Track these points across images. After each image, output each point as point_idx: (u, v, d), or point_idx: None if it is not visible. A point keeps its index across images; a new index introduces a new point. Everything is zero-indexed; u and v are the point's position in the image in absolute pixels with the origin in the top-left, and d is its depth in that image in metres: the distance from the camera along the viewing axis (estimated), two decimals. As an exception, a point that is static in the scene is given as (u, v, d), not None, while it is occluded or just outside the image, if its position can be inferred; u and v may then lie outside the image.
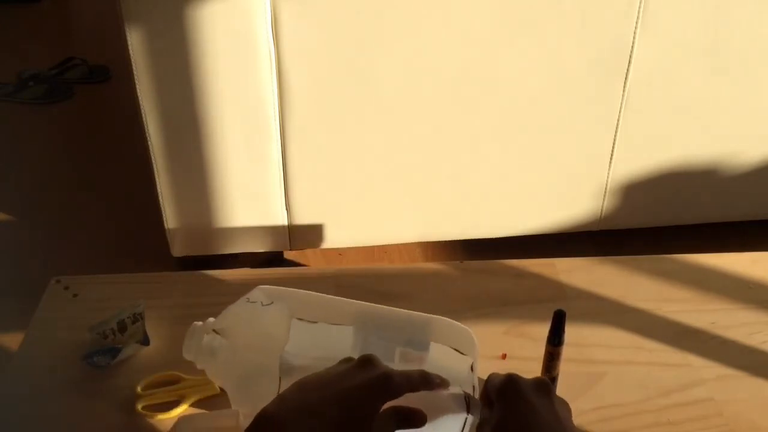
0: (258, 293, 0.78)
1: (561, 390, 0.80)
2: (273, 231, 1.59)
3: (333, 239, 1.63)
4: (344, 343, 0.75)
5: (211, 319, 0.78)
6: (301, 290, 0.78)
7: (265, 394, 0.75)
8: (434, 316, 0.77)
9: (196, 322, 0.77)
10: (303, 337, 0.76)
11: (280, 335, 0.75)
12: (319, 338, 0.77)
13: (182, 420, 0.76)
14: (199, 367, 0.78)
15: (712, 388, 0.85)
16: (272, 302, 0.77)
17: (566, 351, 0.79)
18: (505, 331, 0.91)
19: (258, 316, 0.76)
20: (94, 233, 1.85)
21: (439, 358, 0.74)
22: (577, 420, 0.80)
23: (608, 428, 0.80)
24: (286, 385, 0.73)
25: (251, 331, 0.76)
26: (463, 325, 0.75)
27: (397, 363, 0.74)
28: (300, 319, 0.76)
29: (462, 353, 0.74)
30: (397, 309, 0.77)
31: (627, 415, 0.81)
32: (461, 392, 0.68)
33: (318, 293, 0.78)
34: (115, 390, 0.82)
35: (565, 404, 0.65)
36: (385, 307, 0.77)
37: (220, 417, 0.75)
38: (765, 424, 0.81)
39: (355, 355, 0.68)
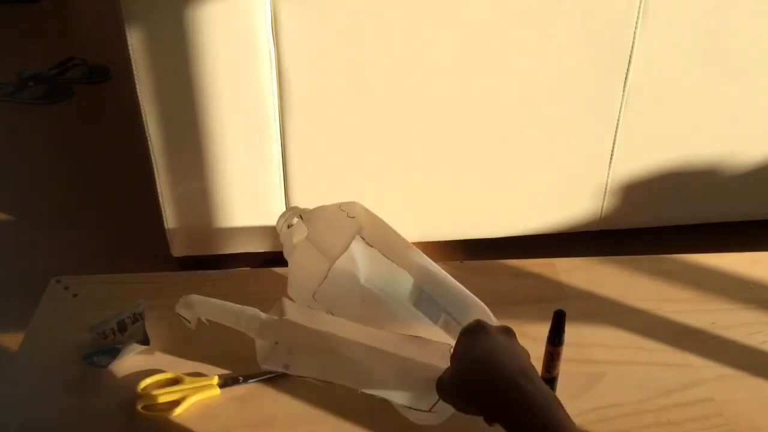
0: (351, 206, 0.86)
1: (561, 390, 0.80)
2: (273, 231, 1.58)
3: (333, 239, 1.63)
4: (406, 286, 0.84)
5: (307, 209, 0.87)
6: (386, 224, 0.87)
7: (306, 289, 0.85)
8: (476, 301, 0.83)
9: (295, 206, 0.89)
10: (366, 260, 0.85)
11: (341, 245, 0.84)
12: (389, 271, 0.85)
13: (195, 296, 0.81)
14: (281, 241, 0.88)
15: (712, 388, 0.85)
16: (355, 217, 0.85)
17: (566, 351, 0.79)
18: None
19: (336, 222, 0.85)
20: (94, 233, 1.85)
21: None
22: (577, 420, 0.80)
23: (608, 428, 0.80)
24: (325, 288, 0.82)
25: (325, 230, 0.85)
26: (496, 320, 0.81)
27: (440, 326, 0.82)
28: (362, 239, 0.84)
29: None
30: (449, 278, 0.84)
31: (627, 415, 0.81)
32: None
33: (396, 232, 0.86)
34: (115, 390, 0.82)
35: (524, 349, 0.70)
36: (439, 271, 0.85)
37: (229, 308, 0.81)
38: (765, 424, 0.81)
39: (411, 303, 0.81)
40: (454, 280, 0.84)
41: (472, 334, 0.69)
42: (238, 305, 0.80)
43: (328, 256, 0.83)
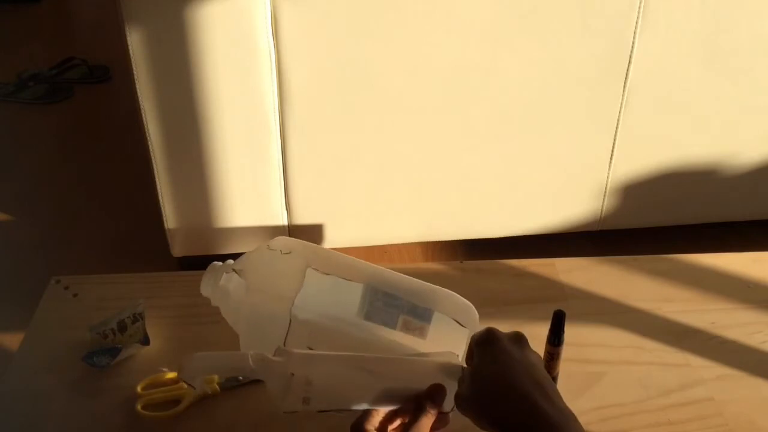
0: (279, 242, 0.81)
1: (561, 390, 0.80)
2: (273, 231, 1.59)
3: (333, 239, 1.63)
4: (352, 304, 0.79)
5: (231, 261, 0.81)
6: (318, 245, 0.82)
7: (273, 340, 0.77)
8: (439, 287, 0.80)
9: (215, 262, 0.80)
10: (314, 290, 0.79)
11: (293, 283, 0.78)
12: (328, 294, 0.80)
13: (195, 356, 0.75)
14: (213, 304, 0.80)
15: (712, 388, 0.85)
16: (291, 252, 0.80)
17: (566, 351, 0.79)
18: (505, 331, 0.91)
19: (276, 263, 0.79)
20: (94, 233, 1.85)
21: (440, 330, 0.78)
22: (577, 420, 0.79)
23: (608, 428, 0.80)
24: (294, 332, 0.77)
25: (267, 275, 0.79)
26: (466, 300, 0.79)
27: (398, 329, 0.78)
28: (315, 270, 0.79)
29: (462, 325, 0.76)
30: (406, 276, 0.81)
31: (627, 415, 0.81)
32: (459, 363, 0.71)
33: (334, 251, 0.82)
34: (115, 390, 0.82)
35: (537, 355, 0.69)
36: (394, 272, 0.81)
37: (232, 357, 0.74)
38: (765, 424, 0.81)
39: (360, 318, 0.75)
40: (414, 278, 0.81)
41: (484, 346, 0.68)
42: (238, 351, 0.77)
43: (283, 300, 0.78)
